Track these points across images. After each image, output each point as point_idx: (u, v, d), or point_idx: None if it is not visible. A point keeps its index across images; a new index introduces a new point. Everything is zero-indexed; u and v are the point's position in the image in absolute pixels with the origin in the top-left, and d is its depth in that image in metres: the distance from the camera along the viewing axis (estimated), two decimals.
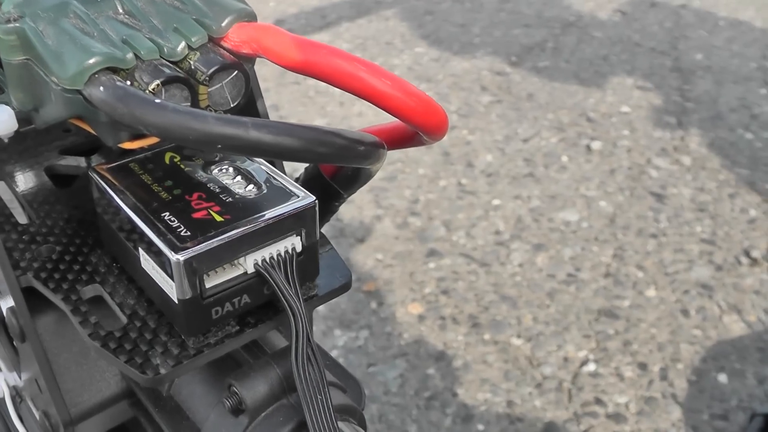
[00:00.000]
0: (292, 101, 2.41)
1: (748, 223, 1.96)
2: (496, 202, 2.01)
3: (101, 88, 0.35)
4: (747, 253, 1.86)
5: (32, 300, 0.45)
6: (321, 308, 1.66)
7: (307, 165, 0.51)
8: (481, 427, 1.42)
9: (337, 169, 0.50)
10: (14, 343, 0.50)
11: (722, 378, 1.54)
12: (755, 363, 1.57)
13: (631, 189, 2.07)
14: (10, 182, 0.56)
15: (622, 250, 1.86)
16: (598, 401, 1.48)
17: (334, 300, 1.63)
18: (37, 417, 0.50)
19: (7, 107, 0.42)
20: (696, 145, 2.24)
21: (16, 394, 0.60)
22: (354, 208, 1.97)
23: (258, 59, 0.40)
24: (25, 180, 0.57)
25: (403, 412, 1.45)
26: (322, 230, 0.48)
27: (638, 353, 1.58)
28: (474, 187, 2.06)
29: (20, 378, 0.55)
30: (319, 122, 2.30)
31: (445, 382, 1.51)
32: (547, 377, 1.53)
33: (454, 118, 2.35)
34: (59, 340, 0.47)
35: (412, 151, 2.17)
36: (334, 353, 1.57)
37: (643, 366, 1.56)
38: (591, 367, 1.55)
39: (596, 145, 2.24)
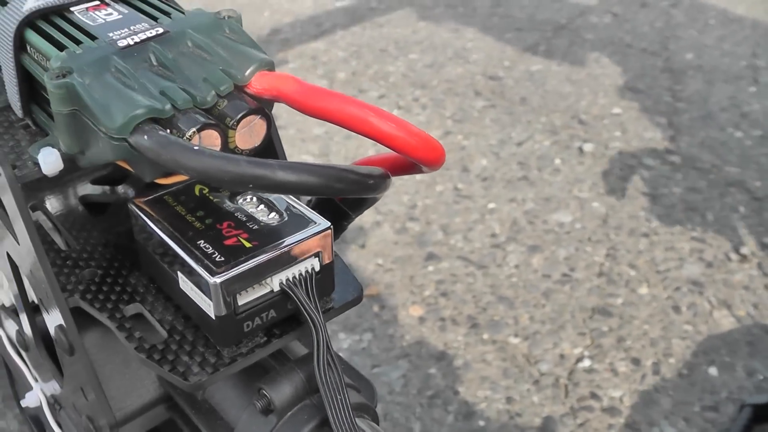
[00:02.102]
0: (290, 111, 2.46)
1: (737, 220, 2.01)
2: (491, 205, 2.06)
3: (146, 137, 0.41)
4: (736, 250, 1.92)
5: (77, 317, 0.50)
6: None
7: None
8: (482, 423, 1.48)
9: None
10: (59, 356, 0.55)
11: (713, 371, 1.59)
12: (744, 356, 1.63)
13: (622, 190, 2.12)
14: (49, 212, 0.62)
15: (614, 250, 1.91)
16: (594, 396, 1.54)
17: None
18: (82, 422, 0.56)
19: (54, 149, 0.48)
20: (686, 144, 2.29)
21: (55, 402, 0.66)
22: None
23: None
24: (61, 209, 0.62)
25: (407, 410, 1.51)
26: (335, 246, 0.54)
27: (631, 349, 1.64)
28: (470, 191, 2.11)
29: (60, 387, 0.61)
30: (317, 130, 2.35)
31: (446, 381, 1.57)
32: (544, 374, 1.59)
33: (449, 123, 2.41)
34: (103, 353, 0.53)
35: None
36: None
37: (636, 361, 1.61)
38: (586, 363, 1.61)
39: (588, 147, 2.29)
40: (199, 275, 0.42)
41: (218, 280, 0.42)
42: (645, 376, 1.58)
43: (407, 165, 0.49)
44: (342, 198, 0.56)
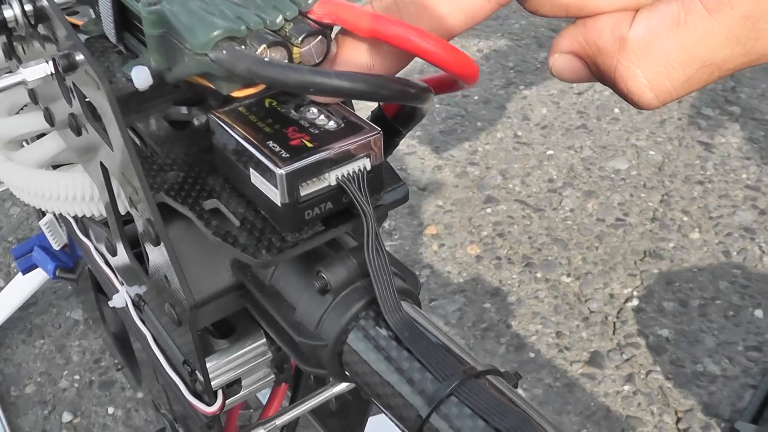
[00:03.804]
0: None
1: None
2: (549, 152, 2.12)
3: (224, 52, 0.49)
4: None
5: (162, 213, 0.59)
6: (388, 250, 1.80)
7: (373, 109, 0.65)
8: (532, 354, 1.55)
9: (396, 111, 0.63)
10: (145, 249, 0.64)
11: (758, 314, 1.65)
12: None
13: (679, 138, 2.16)
14: (137, 128, 0.70)
15: (668, 197, 1.96)
16: (641, 333, 1.60)
17: (398, 242, 1.76)
18: (165, 309, 0.64)
19: (145, 67, 0.56)
20: (747, 96, 2.32)
21: (139, 300, 0.75)
22: (416, 158, 2.10)
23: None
24: (149, 124, 0.71)
25: (462, 341, 1.59)
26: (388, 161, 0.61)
27: (680, 291, 1.70)
28: (529, 138, 2.17)
29: (144, 285, 0.69)
30: None
31: (499, 315, 1.64)
32: (593, 311, 1.65)
33: (512, 74, 2.46)
34: (183, 243, 0.62)
35: (470, 106, 2.29)
36: None
37: (683, 303, 1.67)
38: (635, 302, 1.67)
39: None
40: (268, 168, 0.50)
41: (284, 171, 0.49)
42: (691, 316, 1.64)
43: (448, 83, 0.56)
44: (393, 115, 0.63)
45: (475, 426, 0.47)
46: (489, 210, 1.93)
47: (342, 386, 0.87)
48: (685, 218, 1.90)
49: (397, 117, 0.64)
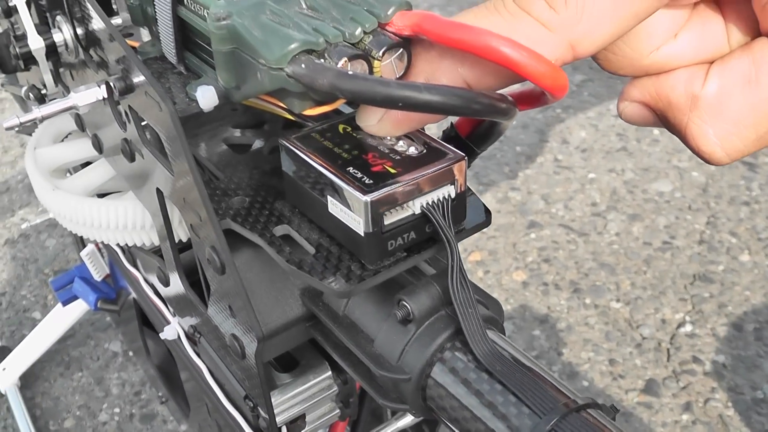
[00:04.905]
0: None
1: None
2: (591, 175, 2.08)
3: (302, 65, 0.46)
4: None
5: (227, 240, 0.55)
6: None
7: (445, 129, 0.62)
8: (585, 383, 1.51)
9: (471, 129, 0.60)
10: (208, 278, 0.60)
11: None
12: None
13: None
14: (196, 150, 0.67)
15: (715, 218, 1.92)
16: (696, 360, 1.56)
17: None
18: (227, 341, 0.61)
19: (211, 86, 0.53)
20: None
21: (195, 331, 0.72)
22: None
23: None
24: (207, 148, 0.68)
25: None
26: None
27: (733, 315, 1.65)
28: (570, 162, 2.14)
29: (200, 317, 0.66)
30: None
31: (549, 343, 1.60)
32: (646, 338, 1.61)
33: None
34: (250, 273, 0.58)
35: (508, 131, 2.25)
36: None
37: (738, 327, 1.62)
38: (688, 328, 1.63)
39: None
40: (352, 195, 0.47)
41: (369, 198, 0.46)
42: (747, 341, 1.59)
43: (532, 97, 0.53)
44: (467, 134, 0.60)
45: None
46: (533, 235, 1.89)
47: (404, 422, 0.84)
48: (734, 240, 1.85)
49: (472, 136, 0.60)
